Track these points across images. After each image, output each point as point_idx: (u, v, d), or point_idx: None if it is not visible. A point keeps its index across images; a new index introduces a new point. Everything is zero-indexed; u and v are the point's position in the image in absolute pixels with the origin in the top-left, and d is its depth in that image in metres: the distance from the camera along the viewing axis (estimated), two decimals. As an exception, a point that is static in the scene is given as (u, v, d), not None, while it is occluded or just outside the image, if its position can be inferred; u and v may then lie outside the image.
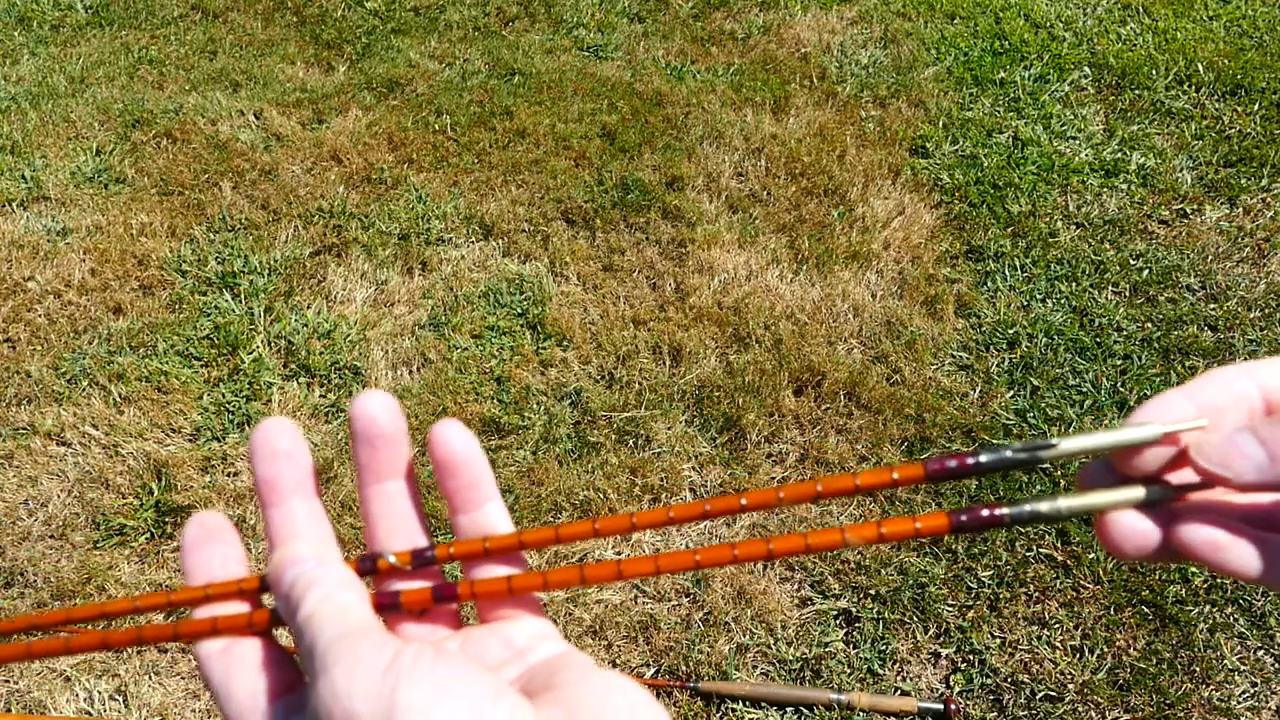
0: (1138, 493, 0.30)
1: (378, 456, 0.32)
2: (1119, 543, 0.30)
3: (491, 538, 0.32)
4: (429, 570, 0.33)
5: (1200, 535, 0.29)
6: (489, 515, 0.33)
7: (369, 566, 0.32)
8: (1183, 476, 0.31)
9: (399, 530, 0.33)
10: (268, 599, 0.32)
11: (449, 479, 0.32)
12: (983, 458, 0.31)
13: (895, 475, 0.31)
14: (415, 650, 0.25)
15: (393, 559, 0.32)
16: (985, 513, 0.30)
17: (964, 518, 0.30)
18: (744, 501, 0.32)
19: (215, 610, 0.31)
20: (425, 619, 0.32)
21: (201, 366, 2.05)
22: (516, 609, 0.32)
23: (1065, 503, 0.30)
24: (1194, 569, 1.64)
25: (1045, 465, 1.82)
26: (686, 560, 0.31)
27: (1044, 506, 0.30)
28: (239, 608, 0.31)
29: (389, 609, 0.31)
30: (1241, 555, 0.28)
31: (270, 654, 0.31)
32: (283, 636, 0.32)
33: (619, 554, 1.71)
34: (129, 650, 1.58)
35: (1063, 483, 1.79)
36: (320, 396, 1.99)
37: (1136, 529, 0.30)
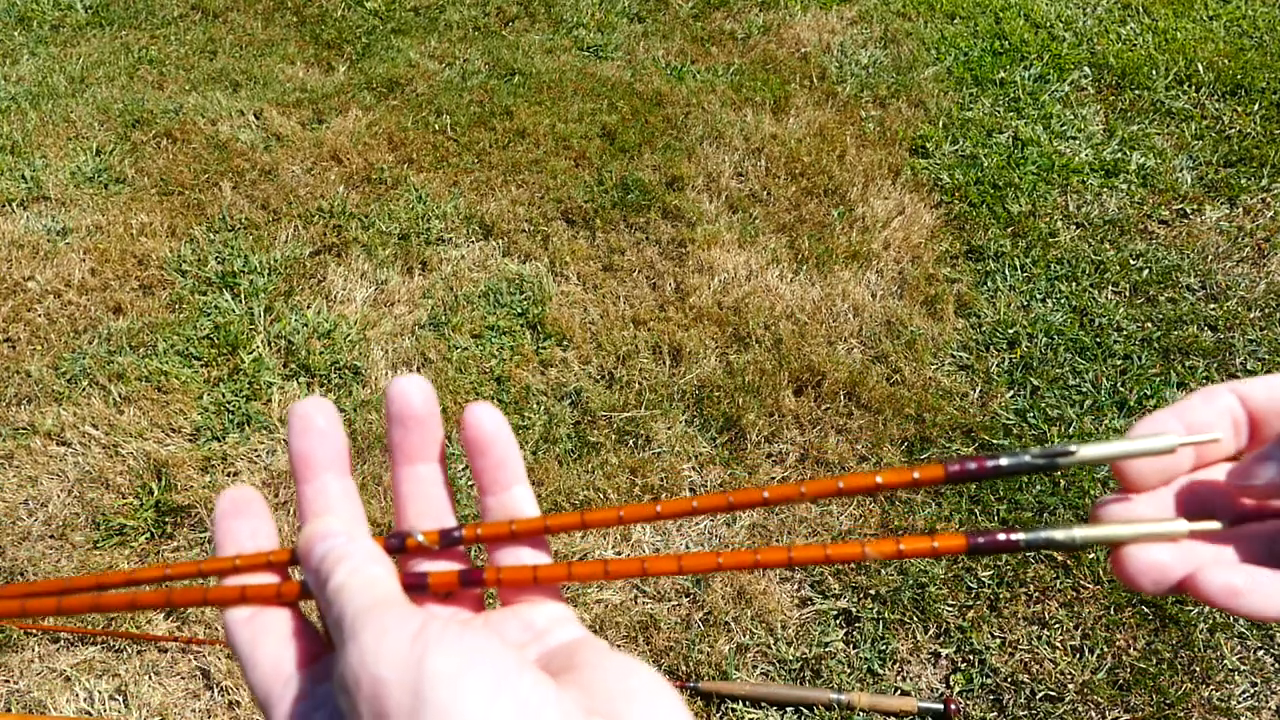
0: (1151, 527, 0.30)
1: (410, 438, 0.33)
2: (1135, 576, 0.30)
3: (518, 520, 0.33)
4: (455, 551, 0.33)
5: (1217, 584, 0.29)
6: (516, 498, 0.34)
7: (397, 544, 0.32)
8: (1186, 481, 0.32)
9: (428, 512, 0.34)
10: (295, 573, 0.32)
11: (479, 458, 0.33)
12: (1002, 461, 0.31)
13: (916, 475, 0.32)
14: (443, 622, 0.26)
15: (421, 538, 0.32)
16: (1001, 537, 0.31)
17: (980, 540, 0.31)
18: (766, 495, 0.32)
19: (244, 580, 0.32)
20: (449, 601, 0.33)
21: (201, 366, 2.05)
22: (539, 595, 0.33)
23: (1080, 533, 0.31)
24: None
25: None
26: (710, 562, 0.32)
27: (1059, 535, 0.31)
28: (268, 579, 0.32)
29: (416, 589, 0.32)
30: (1259, 599, 0.29)
31: (296, 625, 0.31)
32: (311, 614, 0.32)
33: (619, 553, 1.71)
34: (129, 650, 1.58)
35: (1062, 483, 1.79)
36: (320, 397, 1.99)
37: (1155, 563, 0.30)
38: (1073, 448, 0.31)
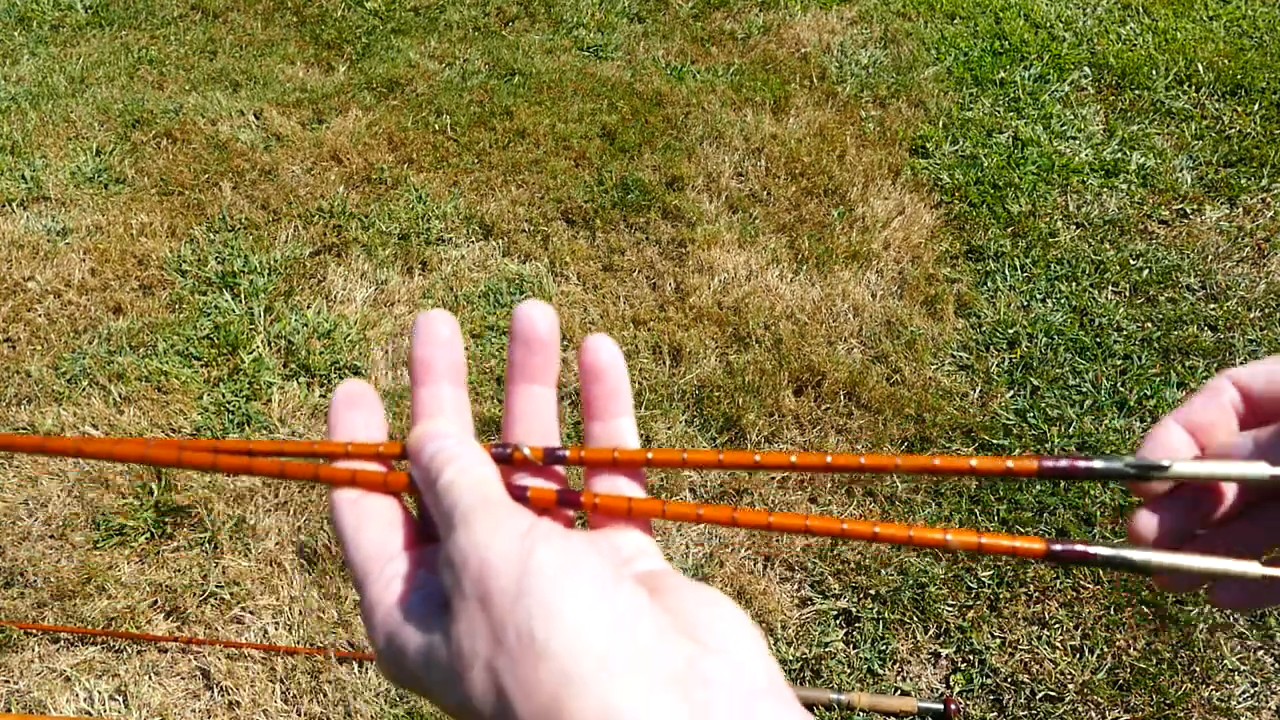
0: (1226, 564, 0.32)
1: (532, 359, 0.35)
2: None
3: (621, 450, 0.34)
4: (554, 474, 0.35)
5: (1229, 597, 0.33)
6: (621, 429, 0.35)
7: (503, 455, 0.34)
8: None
9: (536, 431, 0.35)
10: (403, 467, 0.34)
11: (593, 384, 0.35)
12: (1095, 464, 0.33)
13: (1009, 465, 0.33)
14: (549, 524, 0.28)
15: (527, 451, 0.34)
16: (1080, 548, 0.32)
17: (1059, 548, 0.32)
18: (863, 460, 0.34)
19: (354, 465, 0.33)
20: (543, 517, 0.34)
21: (201, 366, 2.05)
22: (628, 524, 0.34)
23: (1156, 557, 0.32)
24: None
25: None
26: (797, 521, 0.33)
27: (1136, 556, 0.32)
28: (376, 467, 0.33)
29: (515, 501, 0.33)
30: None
31: (399, 513, 0.33)
32: (412, 509, 0.34)
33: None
34: (129, 650, 1.58)
35: (1063, 484, 1.79)
36: (320, 396, 1.99)
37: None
38: (1165, 462, 0.32)
